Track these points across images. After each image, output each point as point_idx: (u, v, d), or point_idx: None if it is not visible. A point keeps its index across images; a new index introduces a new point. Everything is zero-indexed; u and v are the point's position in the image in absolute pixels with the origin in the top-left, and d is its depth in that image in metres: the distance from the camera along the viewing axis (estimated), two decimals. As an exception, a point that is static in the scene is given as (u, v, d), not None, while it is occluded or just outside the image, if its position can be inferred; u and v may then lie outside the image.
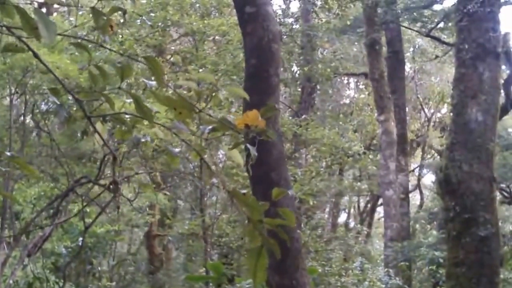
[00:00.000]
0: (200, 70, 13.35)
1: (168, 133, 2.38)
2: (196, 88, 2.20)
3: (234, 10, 6.46)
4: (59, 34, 2.01)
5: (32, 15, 1.78)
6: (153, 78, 2.16)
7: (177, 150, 2.41)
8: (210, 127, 2.14)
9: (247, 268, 2.20)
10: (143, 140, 2.37)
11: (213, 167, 12.80)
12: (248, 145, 2.24)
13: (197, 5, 14.43)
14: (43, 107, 12.04)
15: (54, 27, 1.79)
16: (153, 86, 2.23)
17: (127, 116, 2.24)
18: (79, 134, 12.94)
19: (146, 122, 2.33)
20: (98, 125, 2.27)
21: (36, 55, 2.13)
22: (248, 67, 4.67)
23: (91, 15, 2.16)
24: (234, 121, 2.16)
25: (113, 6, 2.21)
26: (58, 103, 2.17)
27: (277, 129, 4.58)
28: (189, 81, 2.32)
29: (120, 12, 2.25)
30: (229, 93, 13.77)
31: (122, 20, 13.63)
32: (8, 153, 2.14)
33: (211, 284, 13.01)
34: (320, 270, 12.07)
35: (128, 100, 2.20)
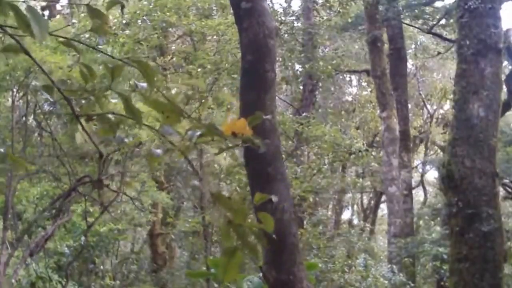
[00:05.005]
0: (199, 70, 13.36)
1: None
2: (186, 92, 2.20)
3: (231, 10, 6.47)
4: (51, 34, 2.00)
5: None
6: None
7: (158, 151, 2.40)
8: (198, 132, 2.13)
9: (220, 266, 2.19)
10: (126, 140, 2.37)
11: (199, 169, 12.85)
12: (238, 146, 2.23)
13: (197, 5, 14.43)
14: (46, 107, 12.06)
15: (46, 24, 1.79)
16: (144, 89, 2.22)
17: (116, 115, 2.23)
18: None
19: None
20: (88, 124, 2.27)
21: (26, 53, 2.12)
22: (244, 63, 4.66)
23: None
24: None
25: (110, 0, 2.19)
26: (51, 100, 2.18)
27: (273, 123, 4.57)
28: (181, 85, 2.31)
29: (120, 16, 2.26)
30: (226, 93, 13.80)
31: (124, 22, 13.64)
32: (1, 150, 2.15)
33: (212, 280, 13.02)
34: (323, 267, 12.06)
35: (114, 100, 2.20)
